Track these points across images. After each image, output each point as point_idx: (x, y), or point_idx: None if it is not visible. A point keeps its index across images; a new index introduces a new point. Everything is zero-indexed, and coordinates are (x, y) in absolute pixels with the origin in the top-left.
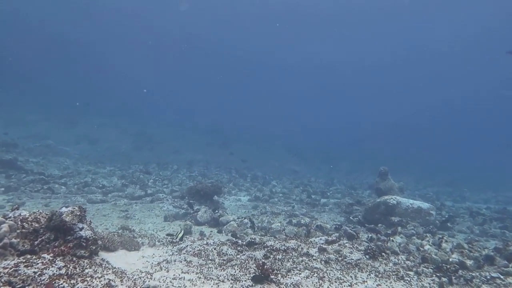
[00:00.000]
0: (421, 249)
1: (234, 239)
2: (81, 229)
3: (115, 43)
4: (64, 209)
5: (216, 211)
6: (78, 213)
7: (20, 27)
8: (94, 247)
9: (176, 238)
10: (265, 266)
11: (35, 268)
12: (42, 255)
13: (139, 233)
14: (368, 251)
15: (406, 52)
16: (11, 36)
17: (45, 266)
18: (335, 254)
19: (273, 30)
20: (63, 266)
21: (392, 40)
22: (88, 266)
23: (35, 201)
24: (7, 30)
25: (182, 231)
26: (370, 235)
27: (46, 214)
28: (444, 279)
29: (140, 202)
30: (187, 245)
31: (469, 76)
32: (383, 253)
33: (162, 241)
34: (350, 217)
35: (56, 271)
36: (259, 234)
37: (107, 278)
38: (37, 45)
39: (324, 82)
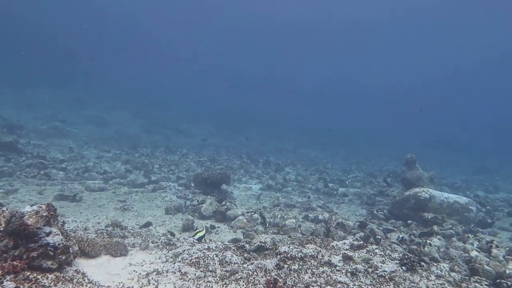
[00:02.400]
0: (467, 255)
1: (241, 240)
2: (48, 234)
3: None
4: (27, 209)
5: (223, 203)
6: (45, 214)
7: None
8: (64, 257)
9: (193, 236)
10: (277, 284)
11: None
12: None
13: (132, 231)
14: (405, 261)
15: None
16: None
17: None
18: (363, 264)
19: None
20: None
21: None
22: (52, 284)
23: (29, 187)
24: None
25: (204, 231)
26: (401, 236)
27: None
28: None
29: (141, 191)
30: (184, 250)
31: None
32: (422, 262)
33: (157, 242)
34: (374, 211)
35: None
36: (271, 231)
37: None
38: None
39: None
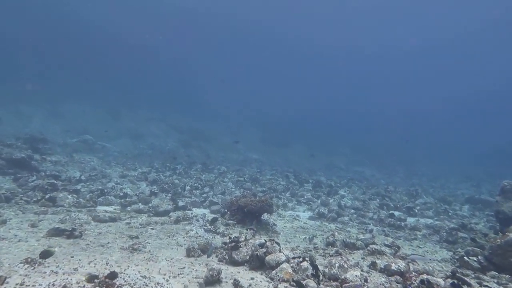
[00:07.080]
0: None
1: None
2: None
3: (167, 33)
4: None
5: (262, 241)
6: None
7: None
8: None
9: None
10: None
11: None
12: None
13: None
14: None
15: None
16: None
17: None
18: None
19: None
20: None
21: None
22: None
23: (24, 217)
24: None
25: None
26: None
27: None
28: None
29: (161, 223)
30: None
31: None
32: None
33: None
34: (465, 257)
35: None
36: None
37: None
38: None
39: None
